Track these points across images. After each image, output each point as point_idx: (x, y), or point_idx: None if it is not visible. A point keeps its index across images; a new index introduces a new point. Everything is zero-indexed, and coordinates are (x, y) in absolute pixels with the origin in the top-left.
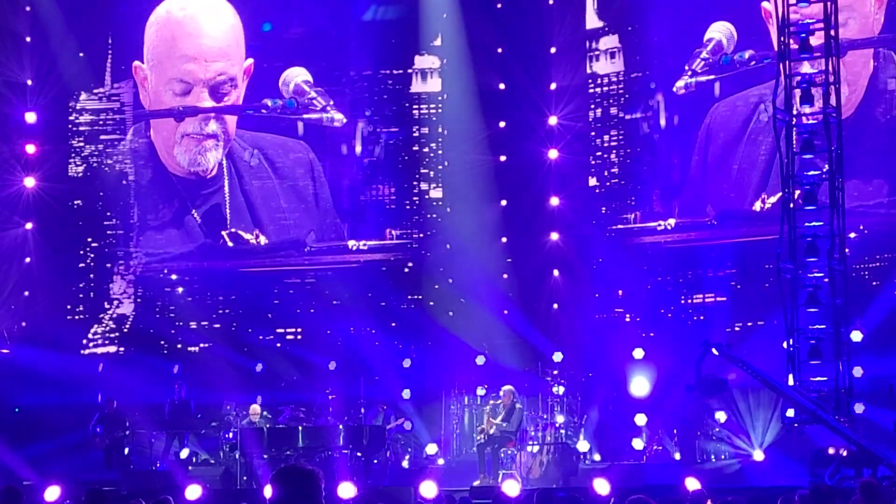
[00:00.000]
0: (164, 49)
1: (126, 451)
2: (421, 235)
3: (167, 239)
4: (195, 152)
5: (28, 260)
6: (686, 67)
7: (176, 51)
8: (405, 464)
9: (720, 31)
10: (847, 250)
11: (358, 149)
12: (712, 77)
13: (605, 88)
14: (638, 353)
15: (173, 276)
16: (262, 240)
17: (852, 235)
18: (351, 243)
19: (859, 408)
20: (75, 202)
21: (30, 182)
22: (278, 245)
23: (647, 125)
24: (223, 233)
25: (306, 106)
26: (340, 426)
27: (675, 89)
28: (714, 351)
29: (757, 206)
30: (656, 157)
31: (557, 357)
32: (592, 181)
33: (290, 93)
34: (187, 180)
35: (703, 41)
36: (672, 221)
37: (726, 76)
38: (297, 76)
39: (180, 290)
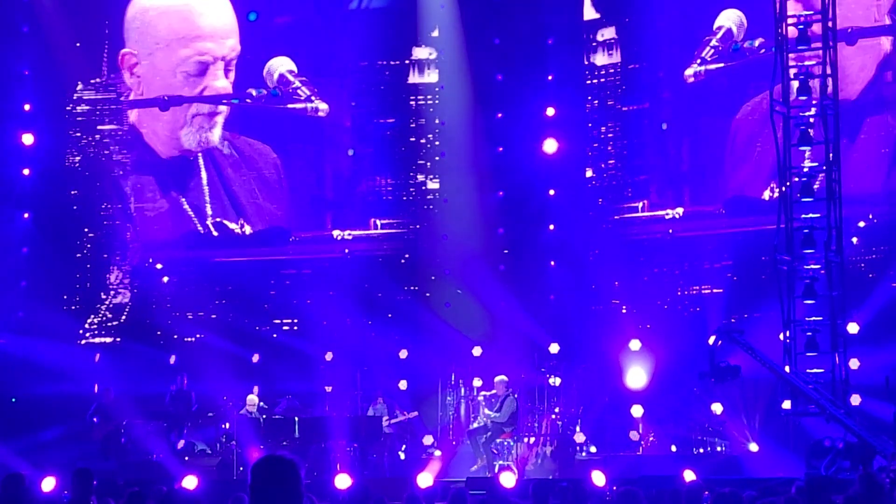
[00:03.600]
0: (170, 34)
1: (122, 440)
2: (418, 226)
3: (160, 228)
4: (206, 130)
5: (25, 250)
6: (695, 55)
7: (187, 32)
8: (402, 455)
9: (730, 19)
10: (855, 239)
11: (346, 139)
12: (721, 65)
13: (603, 80)
14: (634, 345)
15: (158, 266)
16: (247, 229)
17: (861, 224)
18: (336, 233)
19: (856, 399)
20: (72, 192)
21: (27, 172)
22: (263, 234)
23: (650, 115)
24: (208, 222)
25: (290, 95)
26: (337, 417)
27: (684, 77)
28: (719, 340)
29: (766, 194)
30: (655, 147)
31: (554, 348)
32: (589, 172)
33: (273, 82)
34: (171, 165)
35: (711, 29)
36: (680, 210)
37: (736, 63)
38: (280, 66)
39: (165, 279)
